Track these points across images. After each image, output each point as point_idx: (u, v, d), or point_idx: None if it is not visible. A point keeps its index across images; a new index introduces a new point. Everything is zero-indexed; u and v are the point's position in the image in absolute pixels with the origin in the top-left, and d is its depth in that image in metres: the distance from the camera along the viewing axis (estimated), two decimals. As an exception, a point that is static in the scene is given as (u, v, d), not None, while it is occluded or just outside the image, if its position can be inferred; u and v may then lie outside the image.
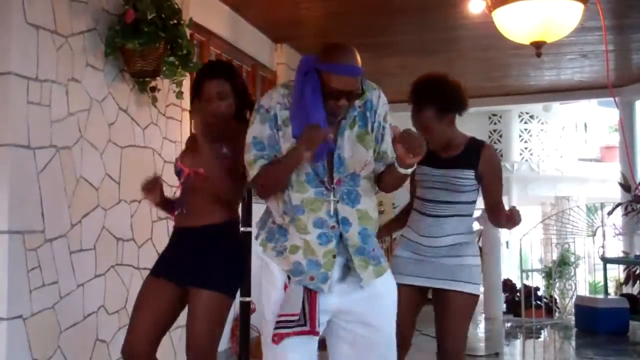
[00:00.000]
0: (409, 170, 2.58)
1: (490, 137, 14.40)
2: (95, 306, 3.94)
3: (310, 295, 2.58)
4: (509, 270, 13.13)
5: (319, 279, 2.58)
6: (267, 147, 2.62)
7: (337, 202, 2.59)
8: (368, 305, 2.65)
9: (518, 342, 8.11)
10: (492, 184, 3.39)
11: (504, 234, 11.16)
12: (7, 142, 3.33)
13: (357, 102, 2.62)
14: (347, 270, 2.64)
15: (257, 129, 2.64)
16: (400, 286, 2.89)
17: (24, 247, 3.37)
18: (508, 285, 9.73)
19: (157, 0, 4.14)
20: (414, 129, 2.70)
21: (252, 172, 2.64)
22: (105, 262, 4.05)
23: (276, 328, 2.58)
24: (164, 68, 4.29)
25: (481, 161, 3.35)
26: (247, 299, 4.84)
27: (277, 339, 2.58)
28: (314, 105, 2.53)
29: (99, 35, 4.02)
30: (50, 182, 3.57)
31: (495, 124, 14.23)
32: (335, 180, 2.60)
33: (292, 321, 2.57)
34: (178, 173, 3.14)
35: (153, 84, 4.40)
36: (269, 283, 2.69)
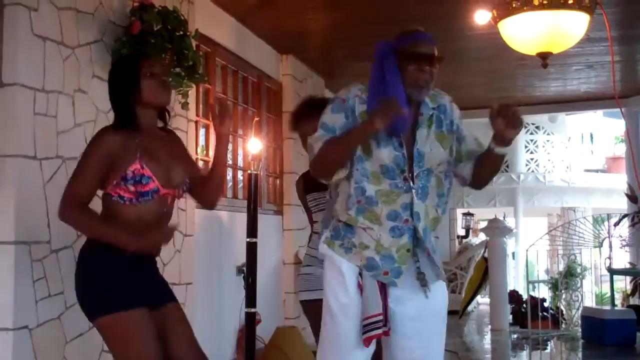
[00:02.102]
0: (506, 150, 2.60)
1: (496, 148, 14.37)
2: (101, 317, 3.93)
3: (385, 295, 2.56)
4: (515, 281, 13.11)
5: (392, 273, 2.58)
6: (337, 131, 2.59)
7: (413, 196, 2.58)
8: (416, 320, 2.62)
9: (524, 354, 8.08)
10: None
11: (510, 245, 11.13)
12: (14, 152, 3.34)
13: (431, 104, 2.66)
14: (420, 277, 2.63)
15: (328, 117, 2.64)
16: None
17: (30, 257, 3.37)
18: (514, 297, 9.70)
19: (163, 11, 4.17)
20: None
21: (315, 150, 2.61)
22: (111, 273, 4.04)
23: (365, 332, 2.54)
24: (170, 79, 4.30)
25: None
26: (253, 310, 4.84)
27: (368, 343, 2.55)
28: (394, 85, 2.56)
29: (106, 46, 4.04)
30: (56, 193, 3.54)
31: (501, 134, 14.17)
32: (415, 174, 2.59)
33: (379, 321, 2.53)
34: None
35: (159, 94, 4.40)
36: (337, 283, 2.63)
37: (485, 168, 2.72)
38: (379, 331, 2.53)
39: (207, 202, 3.10)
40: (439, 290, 2.72)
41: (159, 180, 2.75)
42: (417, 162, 2.59)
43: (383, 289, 2.57)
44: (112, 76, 2.90)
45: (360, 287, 2.58)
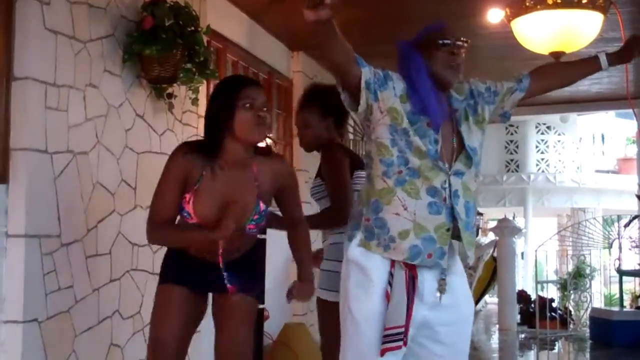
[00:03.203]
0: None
1: (506, 147, 14.36)
2: (110, 311, 3.95)
3: (411, 306, 2.51)
4: (523, 281, 13.08)
5: (436, 254, 2.55)
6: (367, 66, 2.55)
7: (450, 175, 2.58)
8: (450, 326, 2.61)
9: (532, 354, 8.07)
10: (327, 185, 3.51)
11: (519, 245, 11.10)
12: (25, 146, 3.35)
13: (460, 97, 2.70)
14: (440, 284, 2.60)
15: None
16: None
17: (40, 251, 3.38)
18: (523, 297, 9.69)
19: (175, 7, 4.17)
20: None
21: None
22: (121, 267, 4.06)
23: (384, 342, 2.49)
24: (181, 75, 4.31)
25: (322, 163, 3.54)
26: (261, 306, 4.84)
27: (383, 354, 2.50)
28: (421, 82, 2.57)
29: (117, 41, 4.05)
30: (66, 187, 3.58)
31: (511, 134, 14.18)
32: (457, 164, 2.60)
33: (400, 333, 2.48)
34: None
35: (170, 90, 4.42)
36: (361, 289, 2.56)
37: (575, 73, 2.93)
38: (399, 343, 2.48)
39: None
40: (468, 293, 2.78)
41: (199, 216, 2.78)
42: (474, 155, 2.63)
43: (412, 293, 2.51)
44: (211, 97, 2.86)
45: (388, 297, 2.51)
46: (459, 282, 2.68)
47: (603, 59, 2.80)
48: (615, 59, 2.83)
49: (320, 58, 2.72)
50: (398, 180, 2.54)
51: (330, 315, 3.22)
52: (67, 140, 3.60)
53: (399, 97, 2.57)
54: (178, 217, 2.91)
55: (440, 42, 2.61)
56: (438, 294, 2.58)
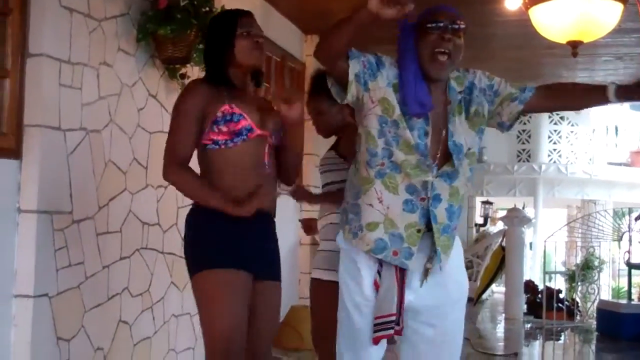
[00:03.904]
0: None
1: (518, 137, 14.29)
2: (120, 288, 3.98)
3: (402, 293, 2.50)
4: (531, 271, 13.07)
5: (402, 254, 2.50)
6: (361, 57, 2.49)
7: (437, 177, 2.51)
8: (436, 307, 2.59)
9: (537, 343, 8.07)
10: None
11: (528, 235, 11.09)
12: (39, 123, 3.36)
13: (458, 88, 2.57)
14: (425, 271, 2.56)
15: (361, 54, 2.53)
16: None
17: (52, 227, 3.41)
18: (530, 287, 9.69)
19: (189, -13, 4.17)
20: None
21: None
22: (131, 245, 4.09)
23: (376, 331, 2.50)
24: (195, 55, 4.31)
25: (342, 140, 3.48)
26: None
27: (377, 341, 2.52)
28: (407, 62, 2.48)
29: (132, 20, 4.05)
30: (79, 165, 3.60)
31: (524, 124, 14.10)
32: (445, 164, 2.52)
33: (391, 322, 2.49)
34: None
35: (183, 70, 4.43)
36: (349, 277, 2.59)
37: (581, 101, 2.71)
38: (391, 331, 2.50)
39: (281, 180, 3.03)
40: (460, 278, 2.70)
41: (251, 119, 2.70)
42: (457, 154, 2.51)
43: (402, 282, 2.51)
44: (209, 31, 2.89)
45: (377, 286, 2.53)
46: (450, 265, 2.61)
47: (611, 91, 2.48)
48: (624, 93, 2.50)
49: (321, 43, 2.62)
50: (379, 172, 2.52)
51: (324, 295, 3.30)
52: (81, 117, 3.62)
53: (391, 85, 2.49)
54: (210, 147, 2.71)
55: (429, 25, 2.46)
56: (422, 280, 2.56)
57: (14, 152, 3.32)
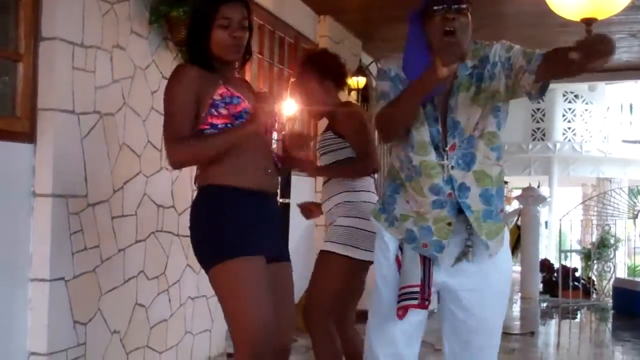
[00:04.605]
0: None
1: (533, 115, 14.23)
2: (136, 271, 4.00)
3: (428, 268, 2.50)
4: (547, 250, 13.04)
5: (432, 246, 2.49)
6: (392, 95, 2.49)
7: (452, 168, 2.45)
8: (473, 292, 2.54)
9: (554, 322, 8.07)
10: (351, 139, 3.53)
11: (543, 213, 11.05)
12: (52, 106, 3.37)
13: (470, 62, 2.47)
14: (465, 251, 2.52)
15: (379, 86, 2.55)
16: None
17: (67, 210, 3.42)
18: (546, 266, 9.68)
19: (202, -32, 4.14)
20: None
21: (376, 118, 2.54)
22: (146, 228, 4.10)
23: (399, 301, 2.50)
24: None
25: (337, 120, 3.58)
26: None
27: (402, 313, 2.50)
28: (415, 50, 2.46)
29: (144, 2, 4.04)
30: (93, 148, 3.61)
31: (538, 102, 13.97)
32: (449, 145, 2.45)
33: (415, 292, 2.48)
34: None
35: (196, 52, 4.40)
36: (382, 254, 2.63)
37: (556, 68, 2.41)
38: (414, 302, 2.48)
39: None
40: (504, 267, 2.63)
41: (248, 101, 2.60)
42: (451, 133, 2.45)
43: (428, 262, 2.52)
44: (192, 12, 2.72)
45: (399, 262, 2.56)
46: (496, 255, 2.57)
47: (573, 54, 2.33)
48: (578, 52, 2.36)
49: (390, 130, 2.62)
50: (407, 176, 2.55)
51: (336, 268, 3.43)
52: (94, 101, 3.62)
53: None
54: (209, 131, 2.57)
55: (433, 8, 2.42)
56: (455, 260, 2.53)
57: (28, 135, 3.33)
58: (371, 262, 3.38)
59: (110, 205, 3.75)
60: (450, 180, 2.47)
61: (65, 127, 3.43)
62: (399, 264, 2.56)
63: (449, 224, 2.48)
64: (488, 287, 2.56)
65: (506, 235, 2.63)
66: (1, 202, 3.20)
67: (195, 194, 2.68)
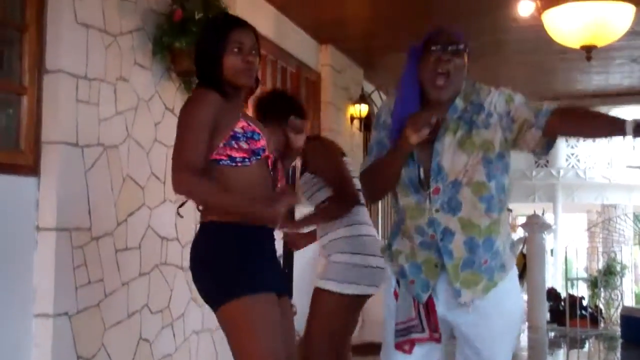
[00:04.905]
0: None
1: (535, 142, 14.21)
2: (140, 305, 3.95)
3: (427, 301, 2.48)
4: (553, 278, 12.96)
5: (418, 284, 2.48)
6: (376, 152, 2.56)
7: (437, 211, 2.43)
8: (474, 327, 2.49)
9: (562, 352, 7.99)
10: (320, 175, 3.46)
11: (548, 241, 11.00)
12: (56, 139, 3.35)
13: (461, 105, 2.46)
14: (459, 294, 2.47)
15: (371, 137, 2.64)
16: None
17: (71, 244, 3.39)
18: (552, 294, 9.60)
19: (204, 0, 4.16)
20: None
21: (360, 176, 2.64)
22: (150, 261, 4.06)
23: (396, 337, 2.50)
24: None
25: (307, 158, 3.48)
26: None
27: (409, 347, 2.49)
28: (406, 87, 2.48)
29: (147, 34, 4.04)
30: (97, 180, 3.59)
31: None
32: (432, 189, 2.43)
33: (412, 326, 2.48)
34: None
35: (199, 83, 4.41)
36: (385, 289, 2.65)
37: (598, 131, 2.58)
38: (415, 335, 2.48)
39: None
40: (510, 308, 2.54)
41: (265, 145, 2.51)
42: (434, 177, 2.42)
43: (429, 300, 2.51)
44: (199, 40, 2.63)
45: (396, 294, 2.56)
46: (498, 295, 2.48)
47: (630, 127, 2.26)
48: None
49: (372, 193, 2.68)
50: (400, 218, 2.57)
51: (327, 305, 3.35)
52: (98, 133, 3.61)
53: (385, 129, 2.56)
54: (226, 163, 2.47)
55: (428, 47, 2.43)
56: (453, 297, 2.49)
57: (32, 169, 3.31)
58: (368, 296, 3.39)
59: (114, 238, 3.72)
60: (432, 223, 2.45)
61: (69, 160, 3.41)
62: (397, 298, 2.57)
63: (436, 265, 2.47)
64: (492, 329, 2.50)
65: (509, 275, 2.53)
66: (5, 236, 3.17)
67: (197, 225, 2.63)
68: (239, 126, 2.47)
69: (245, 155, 2.46)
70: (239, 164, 2.46)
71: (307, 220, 3.52)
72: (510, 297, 2.55)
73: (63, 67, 3.37)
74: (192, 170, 2.37)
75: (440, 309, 2.50)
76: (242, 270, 2.43)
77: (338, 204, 3.41)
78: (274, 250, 2.64)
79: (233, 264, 2.44)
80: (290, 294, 2.76)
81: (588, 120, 2.52)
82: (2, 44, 3.34)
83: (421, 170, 2.46)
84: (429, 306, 2.49)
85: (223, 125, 2.45)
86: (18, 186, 3.25)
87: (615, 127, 2.35)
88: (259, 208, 2.44)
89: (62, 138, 3.37)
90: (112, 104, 3.73)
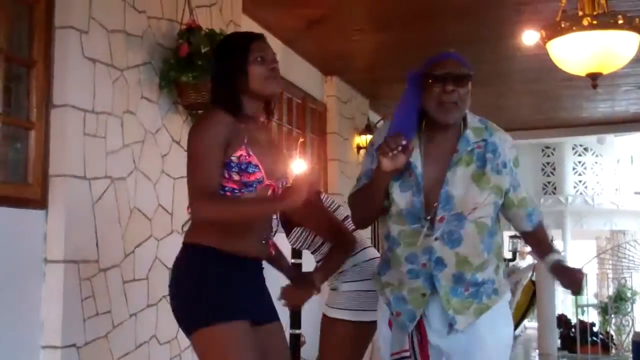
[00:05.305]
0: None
1: (543, 169, 14.21)
2: (147, 336, 3.96)
3: (420, 331, 2.48)
4: (563, 305, 12.87)
5: (405, 315, 2.48)
6: (363, 178, 2.58)
7: (436, 239, 2.42)
8: (469, 356, 2.48)
9: (573, 380, 7.91)
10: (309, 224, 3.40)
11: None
12: (64, 172, 3.39)
13: (473, 139, 2.47)
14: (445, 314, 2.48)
15: (361, 165, 2.67)
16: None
17: (79, 276, 3.41)
18: (563, 321, 9.53)
19: (210, 34, 4.21)
20: None
21: (348, 201, 2.64)
22: (158, 292, 4.07)
23: None
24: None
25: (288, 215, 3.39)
26: (297, 331, 4.82)
27: None
28: (403, 112, 2.48)
29: (154, 68, 4.10)
30: (105, 213, 3.62)
31: (548, 156, 14.04)
32: (439, 217, 2.42)
33: (405, 357, 2.48)
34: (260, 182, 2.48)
35: (206, 116, 4.46)
36: (380, 318, 2.65)
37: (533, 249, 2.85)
38: None
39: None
40: (496, 317, 2.52)
41: (264, 169, 2.44)
42: (443, 206, 2.41)
43: (421, 331, 2.50)
44: (218, 57, 2.58)
45: (390, 324, 2.56)
46: (488, 321, 2.49)
47: (548, 261, 2.64)
48: (554, 271, 2.64)
49: (360, 220, 2.72)
50: (388, 246, 2.56)
51: (338, 334, 3.34)
52: (105, 166, 3.64)
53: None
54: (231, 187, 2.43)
55: (432, 77, 2.43)
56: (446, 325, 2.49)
57: (40, 202, 3.34)
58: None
59: (121, 269, 3.74)
60: (428, 251, 2.44)
61: (77, 193, 3.44)
62: (391, 326, 2.57)
63: (423, 294, 2.46)
64: (483, 347, 2.48)
65: (500, 304, 2.55)
66: (13, 268, 3.19)
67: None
68: (237, 154, 2.41)
69: (235, 186, 2.42)
70: (228, 193, 2.42)
71: (322, 278, 3.24)
72: (504, 321, 2.58)
73: (70, 102, 3.42)
74: (209, 195, 2.36)
75: (434, 338, 2.49)
76: (219, 297, 2.40)
77: (339, 251, 3.30)
78: (258, 279, 2.59)
79: (211, 290, 2.41)
80: (277, 318, 2.64)
81: (531, 239, 2.77)
82: (10, 80, 3.39)
83: (422, 197, 2.43)
84: (422, 335, 2.48)
85: (231, 144, 2.41)
86: (26, 219, 3.28)
87: (541, 255, 2.71)
88: (284, 203, 2.40)
89: (70, 171, 3.41)
90: (119, 137, 3.77)
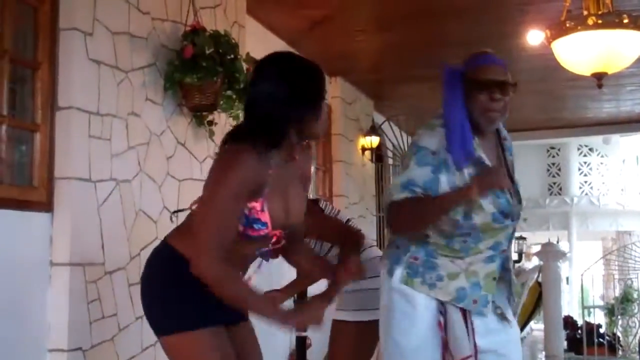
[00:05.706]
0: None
1: (548, 170, 14.19)
2: (153, 339, 3.90)
3: (472, 333, 2.50)
4: (569, 306, 12.84)
5: (481, 302, 2.50)
6: (422, 185, 2.43)
7: (513, 224, 2.58)
8: (511, 347, 2.60)
9: (580, 381, 7.88)
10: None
11: (564, 269, 10.91)
12: (69, 175, 3.38)
13: (504, 134, 2.68)
14: (500, 309, 2.59)
15: (415, 172, 2.46)
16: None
17: (85, 279, 3.40)
18: (569, 323, 9.50)
19: (214, 35, 4.21)
20: None
21: (395, 200, 2.45)
22: (163, 295, 4.06)
23: None
24: (221, 102, 4.33)
25: None
26: (304, 334, 4.80)
27: None
28: (459, 121, 2.45)
29: (158, 70, 4.09)
30: (110, 215, 3.61)
31: (553, 157, 14.02)
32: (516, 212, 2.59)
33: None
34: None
35: (210, 117, 4.45)
36: (410, 323, 2.53)
37: None
38: None
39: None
40: (514, 322, 2.68)
41: (272, 223, 2.28)
42: (519, 199, 2.63)
43: (471, 323, 2.51)
44: (292, 88, 2.33)
45: (441, 326, 2.50)
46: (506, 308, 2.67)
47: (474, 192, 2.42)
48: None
49: (405, 227, 2.56)
50: (463, 247, 2.51)
51: (346, 335, 3.35)
52: (110, 168, 3.64)
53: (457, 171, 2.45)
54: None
55: (483, 83, 2.43)
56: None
57: (45, 205, 3.33)
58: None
59: (127, 272, 3.73)
60: (509, 236, 2.56)
61: (82, 196, 3.43)
62: (441, 328, 2.50)
63: (494, 278, 2.51)
64: (510, 346, 2.60)
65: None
66: (19, 271, 3.18)
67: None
68: (251, 205, 2.25)
69: (237, 237, 2.28)
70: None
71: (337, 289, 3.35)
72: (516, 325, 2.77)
73: (75, 104, 3.41)
74: (218, 257, 2.19)
75: (478, 339, 2.50)
76: (192, 303, 2.31)
77: (351, 248, 3.30)
78: None
79: (184, 295, 2.32)
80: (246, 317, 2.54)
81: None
82: (15, 82, 3.38)
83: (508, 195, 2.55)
84: (474, 338, 2.50)
85: (258, 191, 2.25)
86: (31, 222, 3.27)
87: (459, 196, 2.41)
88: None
89: (75, 174, 3.40)
90: (124, 139, 3.76)
